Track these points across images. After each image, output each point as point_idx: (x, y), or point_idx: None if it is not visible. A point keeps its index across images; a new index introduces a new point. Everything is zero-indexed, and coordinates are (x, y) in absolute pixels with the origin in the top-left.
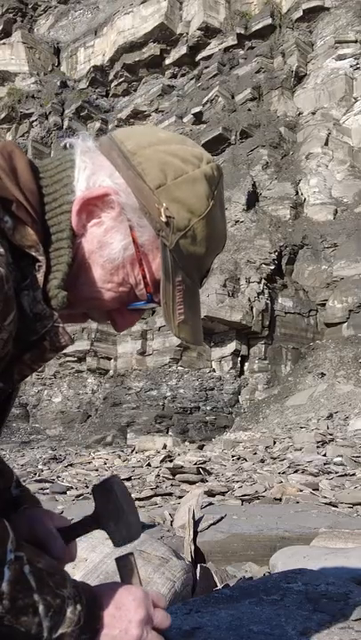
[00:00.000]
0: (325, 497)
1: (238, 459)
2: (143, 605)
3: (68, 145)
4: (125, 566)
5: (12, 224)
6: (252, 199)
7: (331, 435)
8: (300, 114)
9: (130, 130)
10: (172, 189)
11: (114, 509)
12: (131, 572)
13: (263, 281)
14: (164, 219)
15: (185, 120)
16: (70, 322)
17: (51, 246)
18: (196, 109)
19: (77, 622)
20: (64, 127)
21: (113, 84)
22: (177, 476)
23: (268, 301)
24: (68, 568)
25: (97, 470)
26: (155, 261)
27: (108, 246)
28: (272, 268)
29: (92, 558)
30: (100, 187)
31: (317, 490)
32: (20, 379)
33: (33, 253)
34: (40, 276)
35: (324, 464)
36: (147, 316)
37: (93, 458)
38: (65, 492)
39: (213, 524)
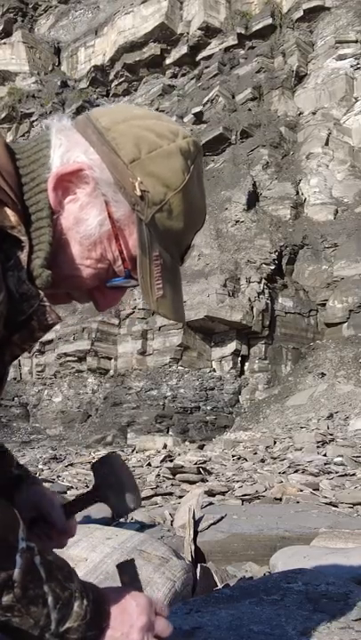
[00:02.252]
0: (326, 497)
1: (239, 458)
2: (146, 612)
3: (44, 126)
4: (127, 573)
5: None
6: (253, 199)
7: (331, 435)
8: (300, 114)
9: (106, 108)
10: (146, 163)
11: (113, 481)
12: (132, 578)
13: (263, 281)
14: (138, 193)
15: (185, 120)
16: (54, 302)
17: (31, 226)
18: (197, 109)
19: (84, 617)
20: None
21: (113, 84)
22: (177, 475)
23: (269, 301)
24: None
25: None
26: (131, 237)
27: (83, 222)
28: (272, 267)
29: (92, 558)
30: (75, 162)
31: (318, 490)
32: (11, 359)
33: (15, 234)
34: (24, 257)
35: (325, 464)
36: (147, 316)
37: (94, 457)
38: (65, 492)
39: (214, 523)
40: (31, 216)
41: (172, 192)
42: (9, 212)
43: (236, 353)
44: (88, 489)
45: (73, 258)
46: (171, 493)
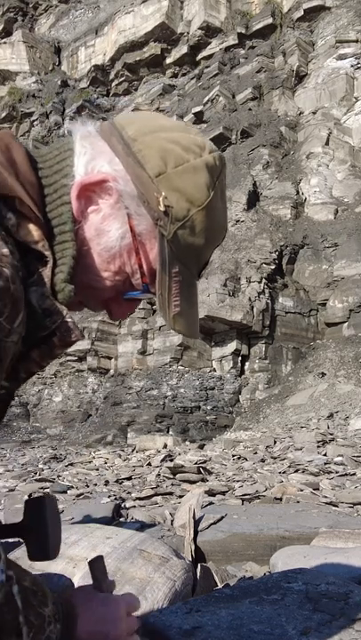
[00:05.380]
0: (326, 496)
1: (239, 458)
2: (119, 618)
3: (67, 131)
4: (98, 568)
5: (16, 221)
6: (253, 199)
7: (331, 434)
8: (300, 113)
9: (132, 115)
10: (171, 178)
11: (39, 525)
12: (103, 574)
13: (264, 280)
14: (162, 208)
15: (186, 119)
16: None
17: (55, 239)
18: (197, 109)
19: None
20: (65, 126)
21: (114, 84)
22: (177, 475)
23: (269, 301)
24: (69, 568)
25: (97, 470)
26: (152, 251)
27: (105, 234)
28: (273, 267)
29: (92, 557)
30: (99, 172)
31: (318, 489)
32: (27, 377)
33: (39, 249)
34: (47, 272)
35: (325, 464)
36: (147, 316)
37: (94, 457)
38: (65, 492)
39: (214, 523)
40: (54, 229)
41: (195, 208)
42: (32, 227)
43: (236, 353)
44: (16, 522)
45: (91, 269)
46: (171, 493)
